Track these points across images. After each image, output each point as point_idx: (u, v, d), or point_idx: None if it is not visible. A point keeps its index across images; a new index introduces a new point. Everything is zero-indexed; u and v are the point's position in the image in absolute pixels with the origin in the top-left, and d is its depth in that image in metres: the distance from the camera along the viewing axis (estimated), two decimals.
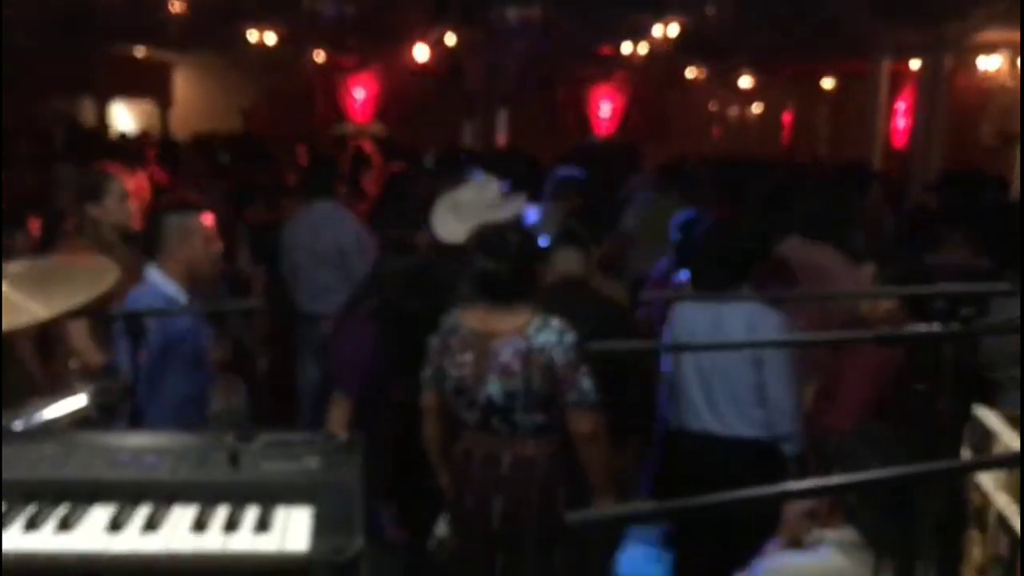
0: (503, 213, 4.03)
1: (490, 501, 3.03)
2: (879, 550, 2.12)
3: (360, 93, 15.86)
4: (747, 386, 3.29)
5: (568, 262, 3.61)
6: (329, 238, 5.00)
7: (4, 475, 1.46)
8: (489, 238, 3.09)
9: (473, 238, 3.14)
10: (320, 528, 1.41)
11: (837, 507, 2.30)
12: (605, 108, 15.74)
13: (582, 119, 15.73)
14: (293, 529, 1.41)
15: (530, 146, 10.59)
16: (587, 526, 1.60)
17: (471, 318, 3.08)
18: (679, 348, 2.65)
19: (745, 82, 15.41)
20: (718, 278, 3.38)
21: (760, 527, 2.48)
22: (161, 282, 3.17)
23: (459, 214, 4.10)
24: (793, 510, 2.40)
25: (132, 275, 3.34)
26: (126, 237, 3.76)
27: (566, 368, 2.92)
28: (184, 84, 16.55)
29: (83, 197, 3.80)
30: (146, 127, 13.96)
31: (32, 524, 1.34)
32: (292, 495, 1.50)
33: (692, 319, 3.40)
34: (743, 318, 3.27)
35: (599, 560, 3.07)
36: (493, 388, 2.99)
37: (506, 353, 2.98)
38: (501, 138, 14.72)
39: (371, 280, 3.70)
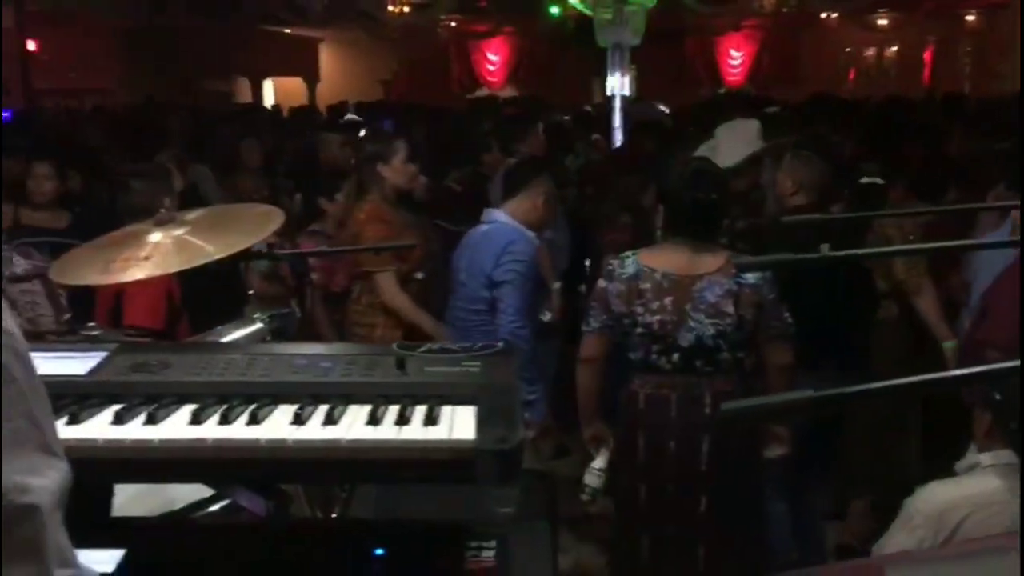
0: (744, 151, 4.16)
1: (697, 442, 3.02)
2: None
3: (494, 57, 15.97)
4: None
5: None
6: None
7: (197, 379, 1.61)
8: (702, 171, 3.14)
9: (684, 172, 3.19)
10: (483, 422, 1.49)
11: (994, 428, 2.26)
12: (735, 56, 15.38)
13: (711, 69, 15.43)
14: (459, 423, 1.50)
15: (659, 100, 10.46)
16: (743, 416, 1.63)
17: (661, 261, 3.07)
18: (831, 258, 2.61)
19: (881, 21, 14.76)
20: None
21: None
22: (505, 218, 3.61)
23: (716, 150, 4.27)
24: None
25: (411, 232, 3.89)
26: (402, 197, 4.25)
27: (773, 303, 2.99)
28: (329, 59, 17.10)
29: (373, 158, 4.09)
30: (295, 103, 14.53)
31: (225, 419, 1.47)
32: (456, 396, 1.59)
33: None
34: None
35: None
36: (701, 329, 2.97)
37: (713, 293, 2.98)
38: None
39: None
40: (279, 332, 2.23)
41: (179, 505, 1.87)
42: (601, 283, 3.09)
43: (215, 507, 1.83)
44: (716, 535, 3.02)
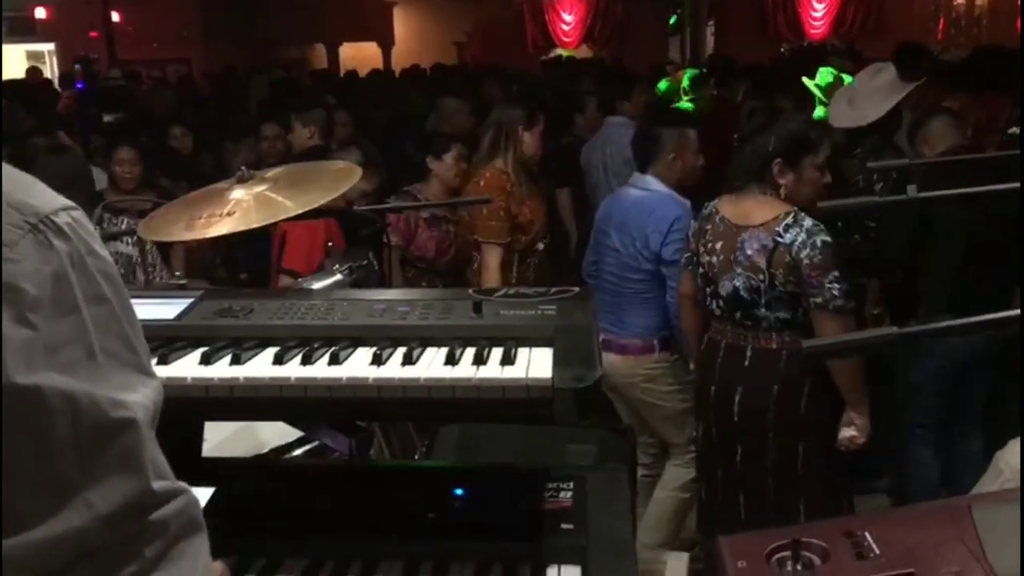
0: (889, 100, 4.08)
1: (732, 391, 3.06)
2: None
3: (568, 17, 15.84)
4: None
5: None
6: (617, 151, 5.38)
7: (279, 323, 1.65)
8: (768, 123, 3.16)
9: (754, 123, 3.23)
10: (560, 362, 1.49)
11: None
12: (818, 7, 14.95)
13: (793, 21, 15.04)
14: (536, 363, 1.51)
15: (739, 55, 10.25)
16: (823, 354, 1.60)
17: (727, 207, 3.12)
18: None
19: None
20: None
21: None
22: (659, 186, 3.58)
23: (853, 102, 4.20)
24: None
25: (531, 202, 3.91)
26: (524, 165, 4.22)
27: (810, 269, 2.90)
28: (403, 24, 17.16)
29: (516, 125, 4.14)
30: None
31: (307, 360, 1.51)
32: (532, 338, 1.60)
33: None
34: None
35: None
36: (738, 281, 3.00)
37: (751, 246, 2.99)
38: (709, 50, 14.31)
39: None
40: (358, 284, 2.27)
41: (267, 448, 1.92)
42: (692, 221, 3.28)
43: (301, 450, 1.89)
44: (752, 488, 3.06)
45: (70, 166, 4.25)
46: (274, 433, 1.92)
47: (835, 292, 2.85)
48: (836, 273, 2.86)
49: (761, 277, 2.94)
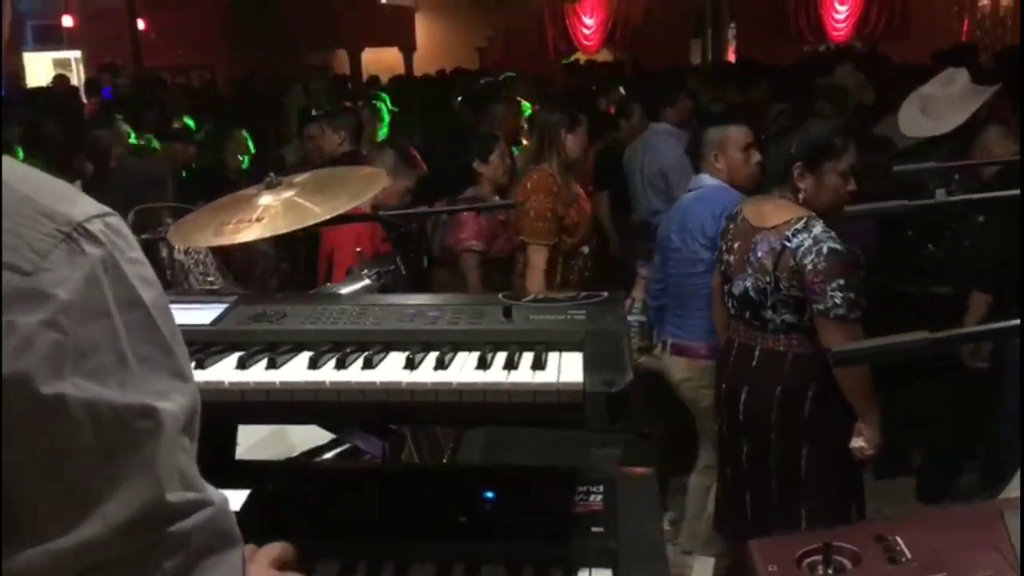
0: (968, 107, 4.06)
1: (740, 390, 3.11)
2: None
3: (589, 20, 15.84)
4: None
5: None
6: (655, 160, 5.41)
7: (312, 327, 1.67)
8: (789, 126, 3.18)
9: (773, 126, 3.27)
10: (591, 367, 1.51)
11: None
12: (841, 9, 14.88)
13: (815, 23, 14.96)
14: (566, 368, 1.52)
15: (761, 57, 10.22)
16: (852, 359, 1.60)
17: (749, 208, 3.18)
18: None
19: None
20: None
21: None
22: (711, 180, 3.63)
23: (926, 109, 4.19)
24: None
25: (577, 204, 3.95)
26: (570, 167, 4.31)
27: (813, 275, 2.90)
28: (425, 29, 17.22)
29: (557, 126, 4.24)
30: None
31: (341, 364, 1.53)
32: (562, 343, 1.61)
33: None
34: None
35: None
36: (748, 282, 3.04)
37: (762, 248, 3.02)
38: (730, 53, 14.28)
39: None
40: (386, 288, 2.30)
41: (299, 451, 1.95)
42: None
43: (333, 453, 1.91)
44: (757, 488, 3.08)
45: (146, 169, 4.41)
46: (306, 436, 1.95)
47: (837, 300, 2.83)
48: (842, 281, 2.84)
49: (768, 279, 2.97)
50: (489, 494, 1.65)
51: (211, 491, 0.84)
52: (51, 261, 0.70)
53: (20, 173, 0.75)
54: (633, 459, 2.07)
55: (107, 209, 0.79)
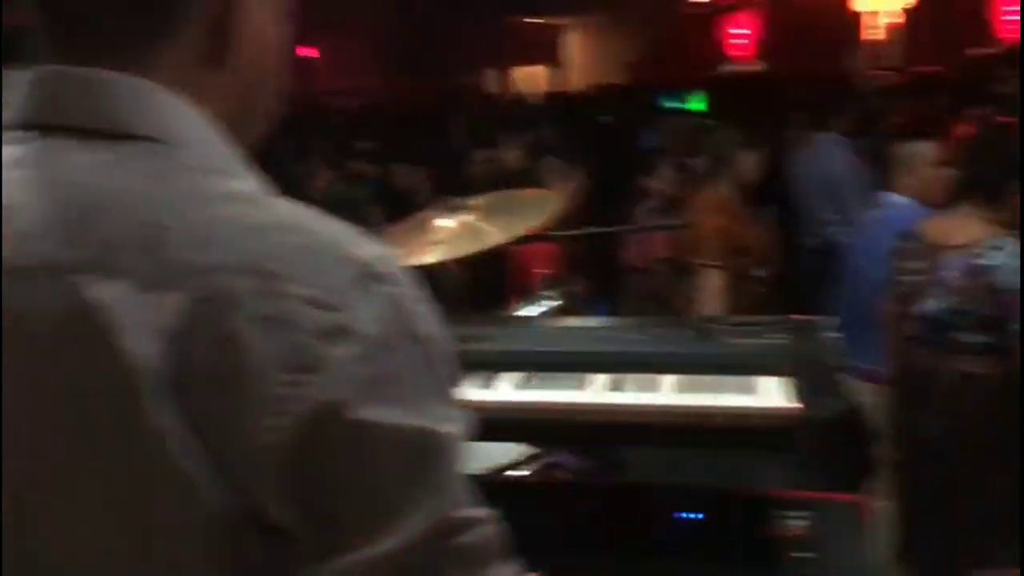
0: None
1: (925, 416, 2.97)
2: None
3: (741, 32, 15.61)
4: None
5: None
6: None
7: (510, 347, 1.73)
8: (980, 145, 3.05)
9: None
10: (803, 392, 1.50)
11: None
12: (1010, 9, 14.07)
13: (986, 25, 14.23)
14: (773, 392, 1.52)
15: (931, 63, 9.82)
16: None
17: (930, 226, 3.05)
18: None
19: None
20: None
21: None
22: (898, 199, 3.58)
23: None
24: None
25: (752, 226, 3.92)
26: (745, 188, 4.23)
27: (1012, 294, 2.78)
28: (574, 45, 17.34)
29: (733, 145, 4.22)
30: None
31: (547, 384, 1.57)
32: (766, 367, 1.61)
33: None
34: None
35: None
36: (937, 303, 2.90)
37: (953, 268, 2.88)
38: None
39: None
40: (567, 309, 2.33)
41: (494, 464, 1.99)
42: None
43: (527, 468, 1.95)
44: (944, 518, 2.95)
45: (352, 194, 4.68)
46: (501, 451, 1.99)
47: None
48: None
49: (960, 300, 2.84)
50: (690, 515, 1.65)
51: (484, 509, 0.89)
52: (351, 298, 0.77)
53: (308, 215, 0.82)
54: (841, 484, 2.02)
55: (389, 250, 0.85)
